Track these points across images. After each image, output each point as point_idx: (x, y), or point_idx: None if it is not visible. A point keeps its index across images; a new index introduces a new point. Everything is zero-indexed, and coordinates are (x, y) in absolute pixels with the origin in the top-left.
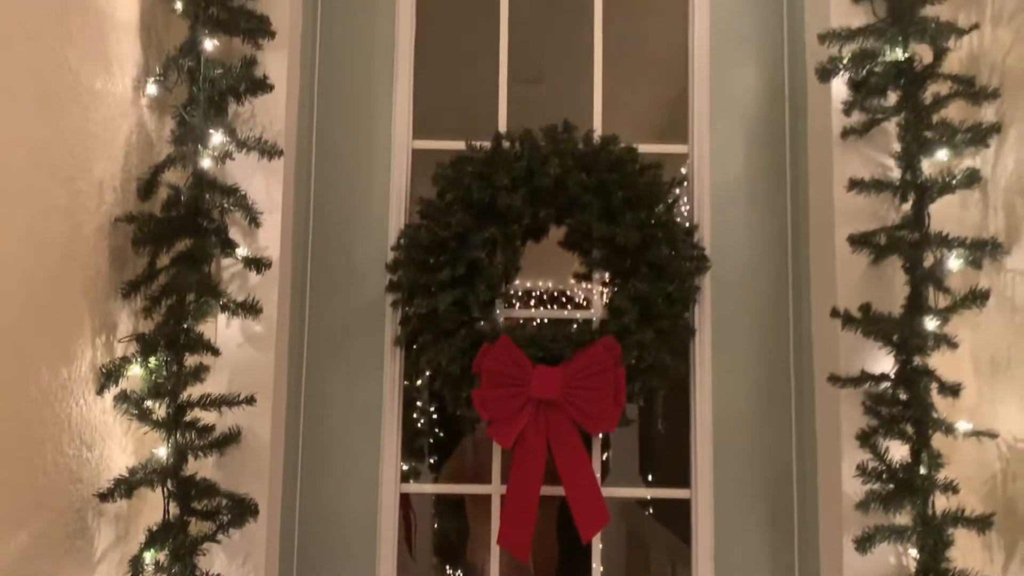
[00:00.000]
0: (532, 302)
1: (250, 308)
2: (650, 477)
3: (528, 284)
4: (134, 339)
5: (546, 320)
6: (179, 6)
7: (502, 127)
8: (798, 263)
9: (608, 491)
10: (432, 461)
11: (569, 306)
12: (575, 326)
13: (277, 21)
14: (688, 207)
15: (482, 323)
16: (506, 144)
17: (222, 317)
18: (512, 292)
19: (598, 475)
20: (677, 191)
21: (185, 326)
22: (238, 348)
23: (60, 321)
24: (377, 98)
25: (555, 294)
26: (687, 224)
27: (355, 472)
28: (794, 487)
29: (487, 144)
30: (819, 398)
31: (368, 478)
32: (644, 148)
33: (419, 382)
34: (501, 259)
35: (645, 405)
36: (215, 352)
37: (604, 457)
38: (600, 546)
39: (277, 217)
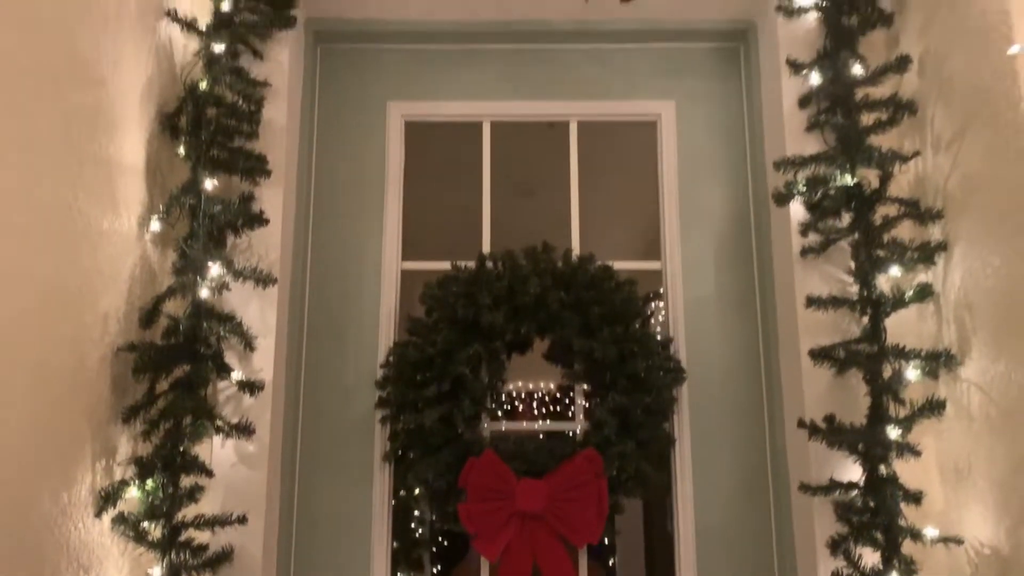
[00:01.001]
0: (520, 406)
1: (243, 429)
2: None
3: (513, 397)
4: (132, 462)
5: (542, 431)
6: (182, 151)
7: (486, 247)
8: (770, 374)
9: None
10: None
11: (553, 417)
12: (558, 438)
13: (274, 158)
14: (664, 321)
15: (468, 437)
16: (489, 264)
17: (217, 438)
18: (497, 405)
19: None
20: (652, 306)
21: (181, 448)
22: (232, 468)
23: (63, 448)
24: (368, 223)
25: (540, 404)
26: (663, 337)
27: None
28: None
29: (471, 264)
30: (795, 506)
31: None
32: (620, 265)
33: (416, 492)
34: (486, 374)
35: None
36: (209, 474)
37: (612, 563)
38: None
39: (271, 340)
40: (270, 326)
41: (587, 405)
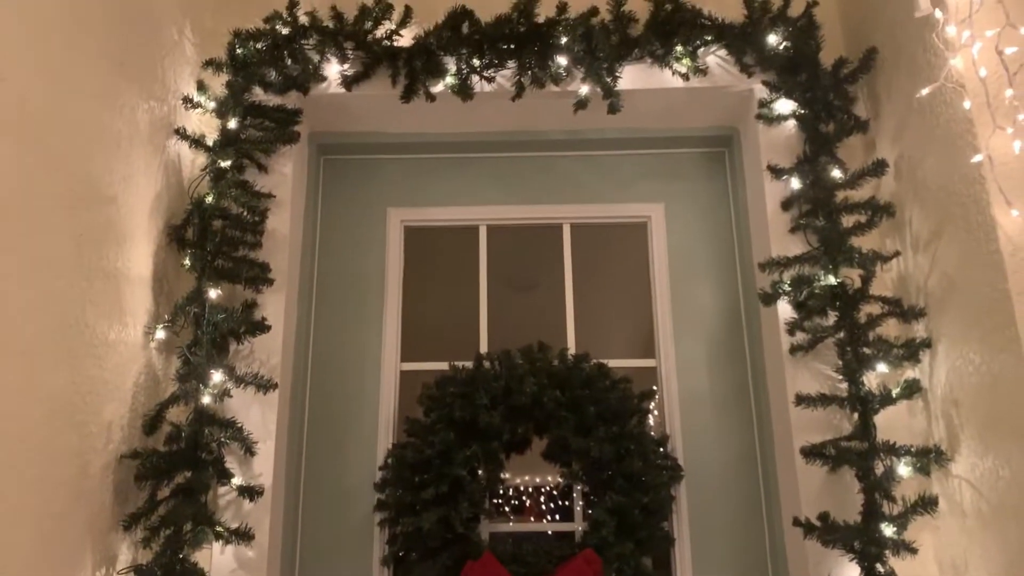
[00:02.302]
0: (519, 507)
1: (243, 535)
2: None
3: (512, 497)
4: (132, 571)
5: (541, 531)
6: (188, 261)
7: (484, 347)
8: (767, 472)
9: None
10: None
11: (554, 517)
12: (557, 539)
13: (276, 266)
14: (659, 419)
15: (466, 540)
16: (487, 364)
17: (217, 544)
18: (496, 506)
19: None
20: (648, 404)
21: (181, 555)
22: (231, 574)
23: (64, 558)
24: (368, 326)
25: (540, 504)
26: (659, 435)
27: None
28: None
29: (469, 364)
30: None
31: None
32: (615, 363)
33: None
34: (484, 475)
35: None
36: None
37: None
38: None
39: (271, 445)
40: (270, 431)
41: (592, 502)
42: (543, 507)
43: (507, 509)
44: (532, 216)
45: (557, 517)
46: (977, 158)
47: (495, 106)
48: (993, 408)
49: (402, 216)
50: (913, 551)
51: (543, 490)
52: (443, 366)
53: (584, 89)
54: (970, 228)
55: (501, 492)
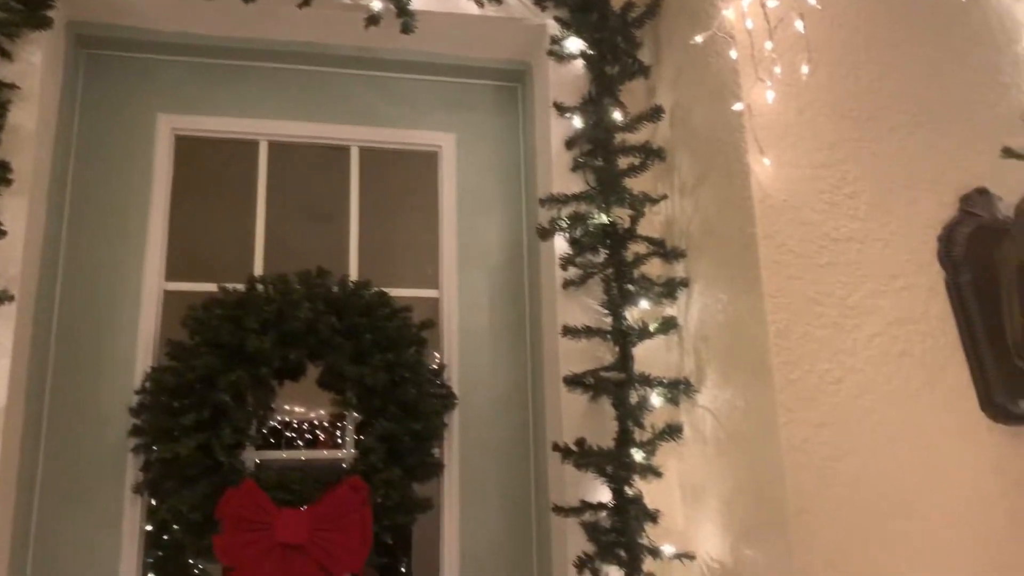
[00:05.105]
0: (290, 435)
1: None
2: None
3: (283, 424)
4: None
5: (308, 459)
6: None
7: (259, 271)
8: (536, 400)
9: None
10: None
11: (328, 446)
12: (325, 467)
13: (19, 166)
14: (439, 349)
15: (228, 467)
16: (260, 287)
17: None
18: (264, 434)
19: None
20: (426, 334)
21: None
22: None
23: None
24: (130, 240)
25: (313, 432)
26: (437, 364)
27: None
28: None
29: (241, 287)
30: (554, 529)
31: None
32: (397, 292)
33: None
34: (252, 401)
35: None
36: None
37: None
38: None
39: (6, 363)
40: (6, 347)
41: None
42: (316, 435)
43: (278, 437)
44: (318, 135)
45: (332, 445)
46: (737, 107)
47: (282, 12)
48: (734, 344)
49: (173, 124)
50: (659, 475)
51: (316, 418)
52: (212, 288)
53: (377, 4)
54: (730, 175)
55: (270, 420)
